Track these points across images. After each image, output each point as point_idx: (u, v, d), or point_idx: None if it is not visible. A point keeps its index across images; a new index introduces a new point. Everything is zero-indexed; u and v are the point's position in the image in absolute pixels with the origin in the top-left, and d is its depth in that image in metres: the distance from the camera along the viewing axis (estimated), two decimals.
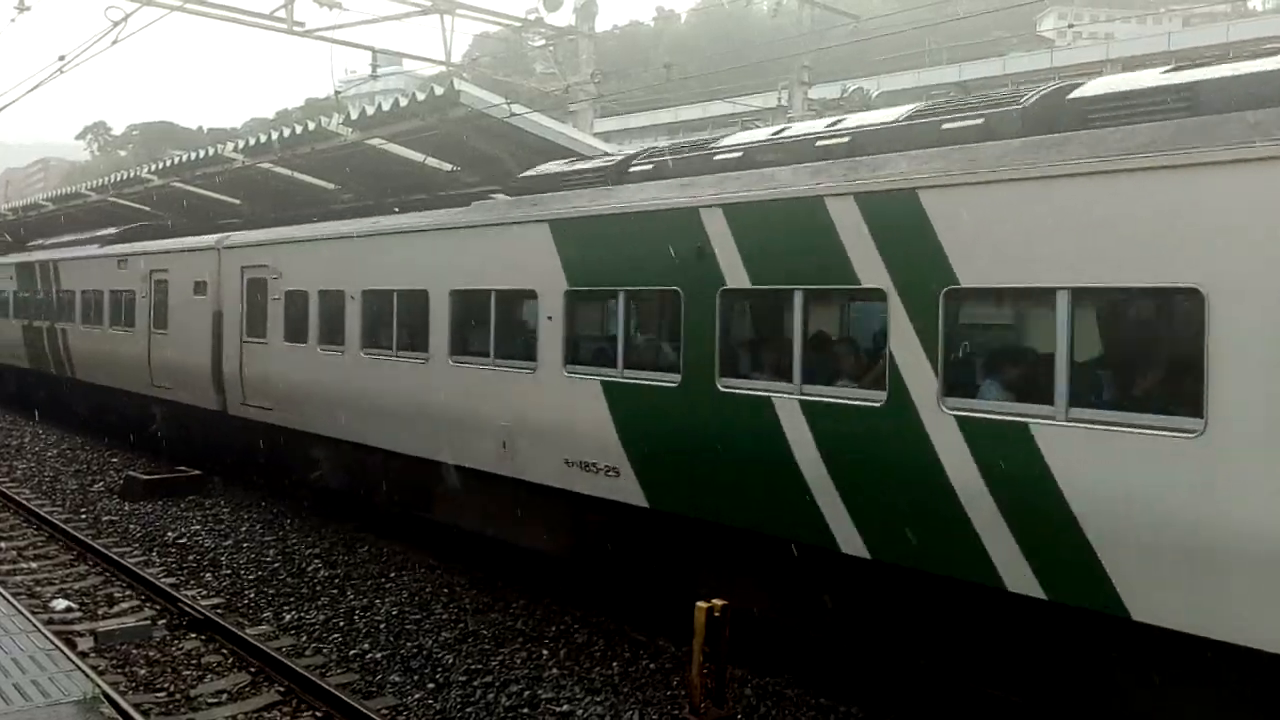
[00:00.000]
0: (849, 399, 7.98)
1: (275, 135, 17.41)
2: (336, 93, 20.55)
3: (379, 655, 9.91)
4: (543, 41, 20.25)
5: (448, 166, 16.59)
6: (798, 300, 8.24)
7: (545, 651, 9.96)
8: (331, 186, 18.90)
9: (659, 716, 8.47)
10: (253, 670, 9.48)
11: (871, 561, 7.83)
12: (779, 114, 23.50)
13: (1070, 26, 71.71)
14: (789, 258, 8.36)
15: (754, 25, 67.81)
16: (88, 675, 8.22)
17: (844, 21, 19.95)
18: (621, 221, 9.70)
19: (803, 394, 8.18)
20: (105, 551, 13.32)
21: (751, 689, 8.95)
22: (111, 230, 23.72)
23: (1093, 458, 6.37)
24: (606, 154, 13.83)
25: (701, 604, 8.25)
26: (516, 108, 14.16)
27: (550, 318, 10.32)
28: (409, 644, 10.18)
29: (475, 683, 9.19)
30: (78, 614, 11.12)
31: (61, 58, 17.61)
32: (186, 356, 17.88)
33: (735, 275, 8.66)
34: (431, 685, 9.18)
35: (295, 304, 14.85)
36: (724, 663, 8.33)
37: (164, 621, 10.79)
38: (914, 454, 7.35)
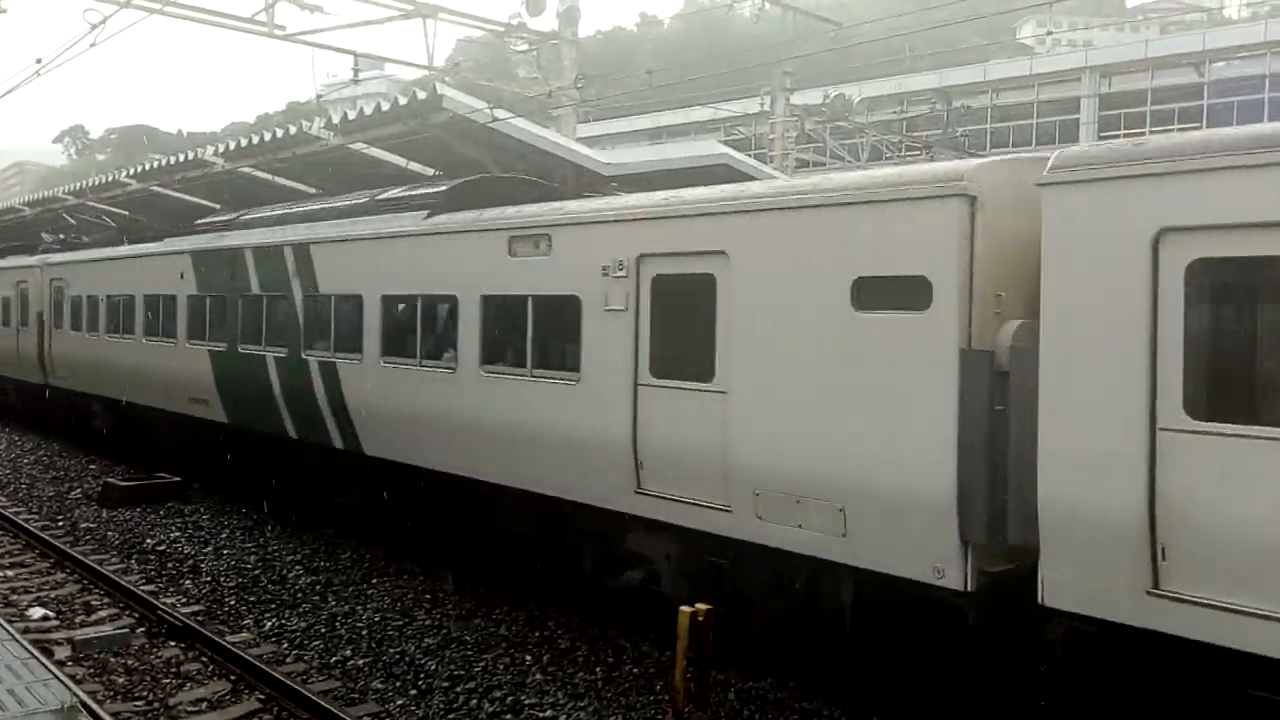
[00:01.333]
0: None
1: (256, 139, 17.31)
2: (318, 96, 20.54)
3: (361, 662, 9.85)
4: (526, 46, 20.25)
5: (430, 171, 16.54)
6: None
7: (528, 657, 9.93)
8: (313, 191, 18.80)
9: None
10: (233, 678, 9.40)
11: None
12: (761, 119, 23.59)
13: (1049, 34, 72.37)
14: None
15: (736, 31, 68.05)
16: (65, 684, 8.13)
17: (826, 28, 20.06)
18: None
19: None
20: (83, 559, 13.18)
21: (735, 693, 8.95)
22: (395, 192, 13.96)
23: None
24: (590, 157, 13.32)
25: (685, 608, 8.25)
26: (499, 112, 14.13)
27: None
28: (391, 650, 10.12)
29: (458, 689, 9.15)
30: (55, 622, 11.00)
31: (38, 60, 17.50)
32: (822, 448, 7.97)
33: None
34: (414, 692, 9.13)
35: None
36: (708, 667, 8.34)
37: (143, 629, 10.69)
38: None
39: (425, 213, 12.28)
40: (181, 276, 17.08)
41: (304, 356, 13.91)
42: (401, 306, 12.52)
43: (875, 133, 29.76)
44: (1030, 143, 44.88)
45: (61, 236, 26.19)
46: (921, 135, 32.14)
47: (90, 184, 24.42)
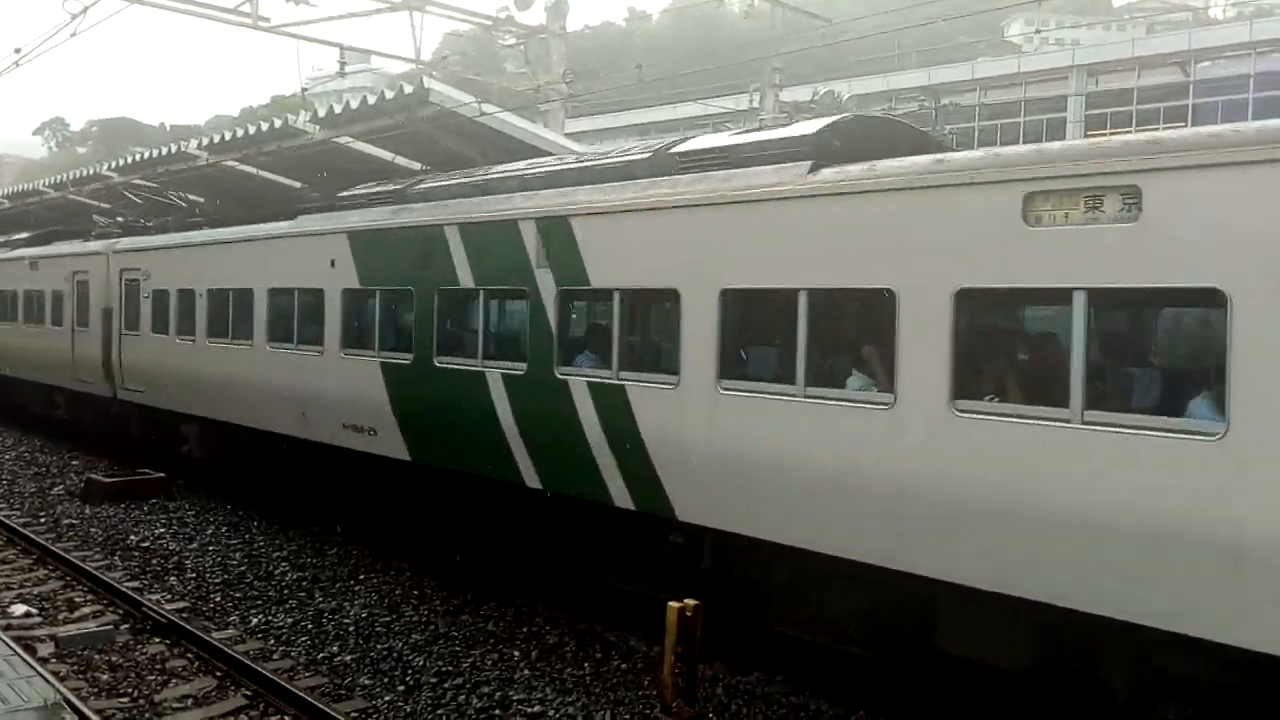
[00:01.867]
0: None
1: (240, 132, 17.21)
2: (303, 90, 20.35)
3: (348, 658, 9.79)
4: (514, 40, 20.19)
5: (417, 165, 16.48)
6: None
7: (516, 653, 9.89)
8: (298, 185, 18.71)
9: (630, 716, 8.45)
10: (219, 674, 9.33)
11: None
12: (750, 116, 23.56)
13: (1037, 32, 72.71)
14: None
15: (726, 27, 68.05)
16: (48, 681, 8.06)
17: (815, 24, 20.06)
18: None
19: None
20: (66, 555, 13.07)
21: (723, 688, 8.94)
22: (697, 143, 9.88)
23: None
24: (576, 152, 12.44)
25: (673, 604, 8.22)
26: (487, 107, 14.10)
27: None
28: (379, 646, 10.06)
29: (446, 684, 9.11)
30: (37, 619, 10.90)
31: (17, 50, 17.37)
32: None
33: None
34: (402, 687, 9.08)
35: None
36: (695, 662, 8.32)
37: (127, 626, 10.60)
38: None
39: (806, 166, 8.29)
40: (333, 265, 12.88)
41: (559, 375, 9.93)
42: (761, 307, 8.78)
43: None
44: (1018, 141, 45.05)
45: (120, 219, 22.02)
46: None
47: (71, 176, 24.20)
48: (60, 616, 11.03)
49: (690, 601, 8.24)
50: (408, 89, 13.84)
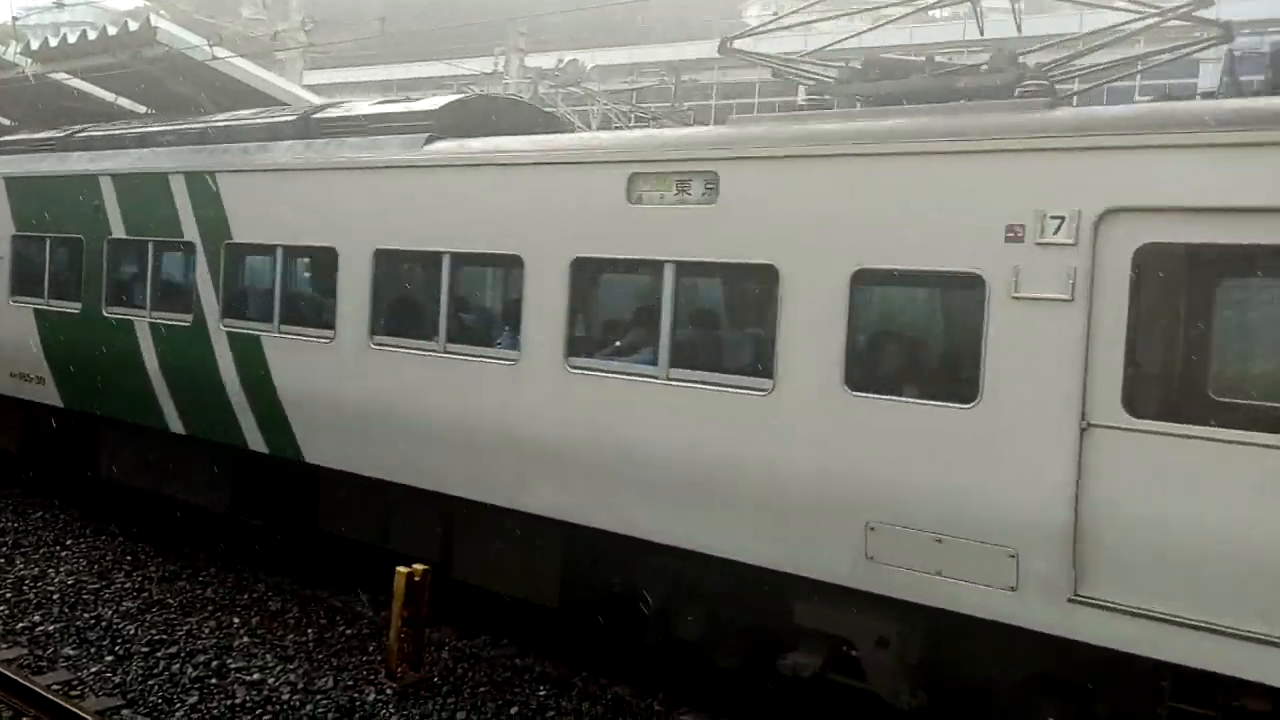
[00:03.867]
0: None
1: None
2: (14, 19, 18.45)
3: (51, 628, 9.41)
4: None
5: (141, 108, 15.48)
6: None
7: (236, 620, 9.85)
8: (7, 123, 17.01)
9: (354, 681, 8.64)
10: None
11: None
12: (495, 80, 23.64)
13: (775, 16, 76.44)
14: None
15: None
16: None
17: None
18: None
19: None
20: None
21: (449, 651, 9.28)
22: None
23: None
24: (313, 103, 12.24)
25: (401, 569, 8.53)
26: (219, 51, 13.52)
27: None
28: (86, 615, 9.72)
29: (159, 653, 8.97)
30: None
31: None
32: None
33: None
34: (110, 658, 8.87)
35: None
36: (422, 626, 8.66)
37: None
38: None
39: (423, 139, 9.08)
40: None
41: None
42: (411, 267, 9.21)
43: (607, 101, 30.50)
44: None
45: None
46: (650, 106, 33.24)
47: None
48: None
49: (419, 566, 8.59)
50: (133, 25, 13.02)
